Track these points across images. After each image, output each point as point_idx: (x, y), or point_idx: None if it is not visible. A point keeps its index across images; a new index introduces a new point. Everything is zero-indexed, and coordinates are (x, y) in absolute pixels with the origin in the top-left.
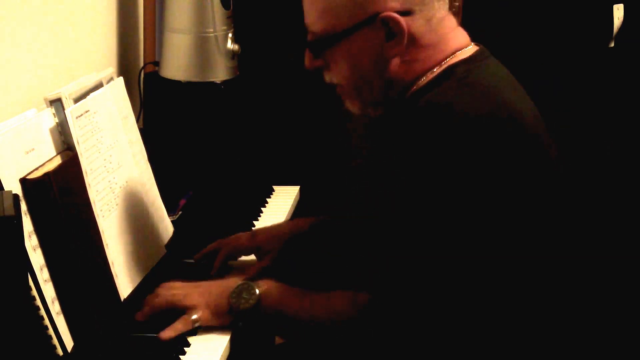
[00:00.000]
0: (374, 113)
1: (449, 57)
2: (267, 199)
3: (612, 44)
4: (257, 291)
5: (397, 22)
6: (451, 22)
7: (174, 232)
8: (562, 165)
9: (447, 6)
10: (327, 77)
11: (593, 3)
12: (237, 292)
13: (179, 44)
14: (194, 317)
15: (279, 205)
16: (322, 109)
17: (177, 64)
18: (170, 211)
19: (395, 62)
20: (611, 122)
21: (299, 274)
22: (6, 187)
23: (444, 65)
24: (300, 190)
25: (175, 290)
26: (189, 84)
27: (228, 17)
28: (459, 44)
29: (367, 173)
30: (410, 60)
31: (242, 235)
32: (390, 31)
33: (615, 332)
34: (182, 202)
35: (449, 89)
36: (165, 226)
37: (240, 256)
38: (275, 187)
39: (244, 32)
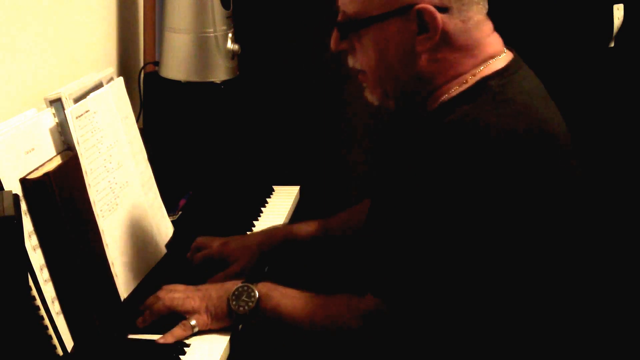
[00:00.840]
0: (393, 106)
1: (482, 65)
2: (267, 199)
3: (612, 44)
4: (257, 294)
5: (433, 16)
6: (488, 27)
7: (174, 232)
8: (586, 181)
9: (485, 10)
10: (351, 62)
11: (593, 3)
12: (237, 295)
13: (179, 44)
14: (193, 322)
15: (279, 205)
16: (322, 109)
17: (177, 64)
18: (170, 211)
19: (424, 58)
20: (611, 122)
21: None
22: (6, 187)
23: (477, 76)
24: (300, 190)
25: (176, 294)
26: (189, 84)
27: (228, 17)
28: (493, 51)
29: (383, 178)
30: (441, 60)
31: (216, 240)
32: (424, 25)
33: (622, 335)
34: (182, 202)
35: (485, 106)
36: (165, 226)
37: (210, 258)
38: (275, 187)
39: (244, 32)
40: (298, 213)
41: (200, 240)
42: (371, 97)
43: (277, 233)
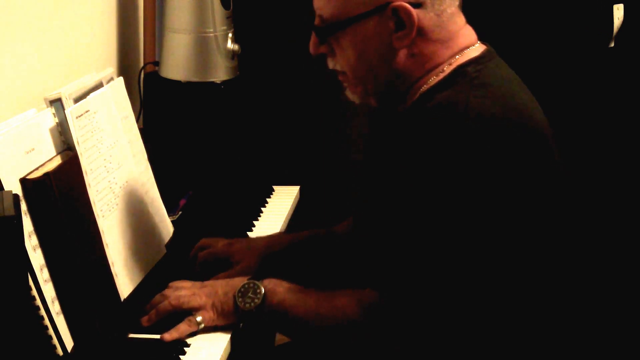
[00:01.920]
0: (375, 103)
1: (457, 54)
2: (267, 199)
3: (612, 44)
4: (262, 290)
5: (409, 13)
6: (460, 19)
7: (174, 232)
8: (564, 166)
9: (457, 2)
10: (331, 64)
11: (593, 3)
12: (243, 291)
13: (179, 44)
14: (199, 318)
15: (279, 205)
16: (322, 109)
17: (177, 64)
18: (170, 211)
19: (403, 54)
20: (611, 122)
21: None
22: (6, 187)
23: (454, 64)
24: (300, 190)
25: (182, 292)
26: (189, 84)
27: (228, 17)
28: (467, 42)
29: (371, 170)
30: (418, 54)
31: (221, 241)
32: (400, 22)
33: (617, 333)
34: (182, 202)
35: (462, 89)
36: (165, 226)
37: (215, 259)
38: (275, 187)
39: (244, 32)
40: (298, 213)
41: (204, 240)
42: (352, 96)
43: (283, 239)
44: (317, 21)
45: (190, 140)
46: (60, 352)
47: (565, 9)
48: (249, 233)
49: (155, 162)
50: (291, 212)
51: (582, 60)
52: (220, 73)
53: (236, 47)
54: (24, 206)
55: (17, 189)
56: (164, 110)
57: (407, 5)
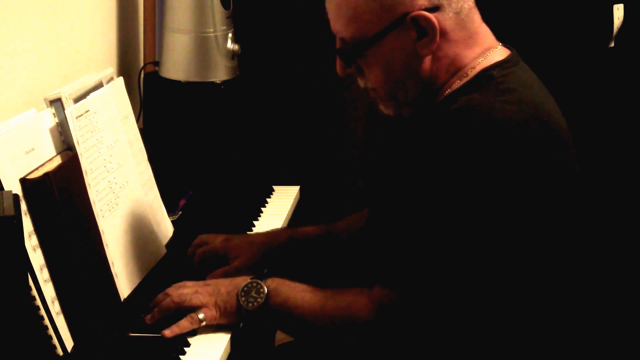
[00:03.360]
0: (408, 113)
1: (480, 57)
2: (267, 199)
3: (612, 44)
4: (266, 289)
5: (428, 20)
6: (477, 15)
7: (174, 232)
8: (581, 172)
9: None
10: (361, 83)
11: (593, 3)
12: (246, 290)
13: (179, 44)
14: (201, 315)
15: (279, 205)
16: (321, 109)
17: (177, 64)
18: (170, 211)
19: (428, 59)
20: (611, 122)
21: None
22: (6, 187)
23: (477, 68)
24: (300, 190)
25: (184, 290)
26: (189, 84)
27: (228, 17)
28: (488, 44)
29: (389, 170)
30: (442, 57)
31: (219, 237)
32: (422, 29)
33: (621, 333)
34: (182, 202)
35: (487, 94)
36: (165, 226)
37: (214, 255)
38: (275, 187)
39: (244, 32)
40: (298, 213)
41: (202, 237)
42: (386, 110)
43: (281, 234)
44: (339, 44)
45: (190, 140)
46: (60, 352)
47: (565, 9)
48: (249, 233)
49: (155, 162)
50: (291, 212)
51: (582, 60)
52: (220, 73)
53: (236, 47)
54: (24, 206)
55: (17, 189)
56: (164, 110)
57: (425, 12)
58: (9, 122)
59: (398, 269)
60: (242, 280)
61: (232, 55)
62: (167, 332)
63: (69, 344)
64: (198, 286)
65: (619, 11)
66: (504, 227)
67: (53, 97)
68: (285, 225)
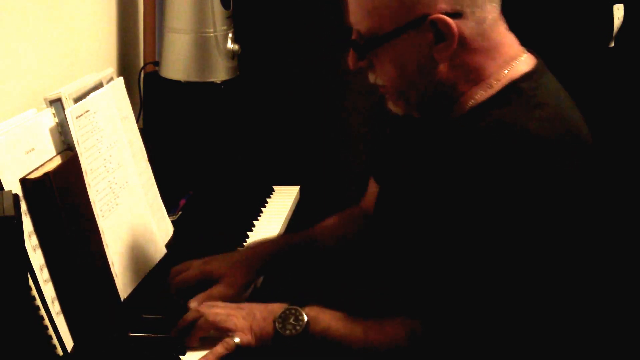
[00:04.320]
0: (418, 115)
1: (505, 67)
2: (267, 199)
3: (612, 44)
4: (305, 317)
5: (448, 25)
6: (502, 26)
7: (174, 232)
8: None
9: (498, 9)
10: (372, 78)
11: (593, 3)
12: (283, 317)
13: (179, 44)
14: (237, 340)
15: (279, 205)
16: (322, 109)
17: (177, 64)
18: (170, 211)
19: (444, 66)
20: (611, 122)
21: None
22: (6, 187)
23: (504, 79)
24: (300, 190)
25: (218, 309)
26: (189, 84)
27: (228, 17)
28: (513, 53)
29: (406, 176)
30: (461, 65)
31: (194, 262)
32: (440, 34)
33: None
34: (182, 202)
35: (519, 110)
36: (165, 226)
37: (192, 282)
38: (275, 187)
39: (244, 32)
40: (298, 213)
41: (175, 268)
42: (395, 108)
43: (263, 247)
44: (354, 36)
45: (190, 140)
46: (60, 352)
47: (565, 9)
48: (249, 233)
49: (155, 162)
50: (291, 212)
51: (582, 60)
52: (220, 73)
53: (236, 47)
54: (24, 206)
55: (17, 189)
56: (164, 110)
57: (445, 17)
58: (9, 122)
59: (444, 303)
60: (279, 307)
61: (232, 55)
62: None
63: (69, 344)
64: (230, 308)
65: (619, 11)
66: (554, 250)
67: (53, 97)
68: (285, 225)
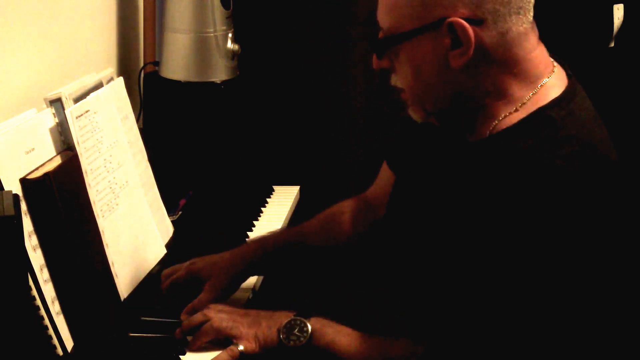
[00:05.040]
0: (437, 123)
1: (531, 89)
2: (267, 199)
3: (612, 44)
4: (309, 328)
5: (465, 30)
6: (531, 41)
7: (174, 232)
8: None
9: (528, 21)
10: (393, 80)
11: (593, 3)
12: (288, 327)
13: (179, 44)
14: (241, 347)
15: (279, 205)
16: (321, 109)
17: (177, 64)
18: (170, 211)
19: (462, 73)
20: (611, 122)
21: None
22: (6, 187)
23: (532, 104)
24: (300, 190)
25: (223, 315)
26: (189, 84)
27: (228, 17)
28: (542, 71)
29: (422, 193)
30: (480, 75)
31: (182, 265)
32: (457, 39)
33: None
34: (182, 202)
35: (548, 144)
36: (165, 226)
37: (181, 284)
38: (275, 187)
39: (244, 32)
40: (298, 213)
41: (165, 271)
42: (414, 114)
43: (250, 248)
44: (380, 34)
45: (190, 140)
46: (60, 352)
47: (565, 9)
48: (249, 233)
49: (155, 162)
50: (291, 212)
51: (582, 60)
52: (220, 73)
53: (236, 47)
54: (24, 206)
55: (17, 189)
56: (164, 110)
57: (463, 22)
58: (9, 122)
59: (453, 332)
60: (284, 317)
61: (232, 55)
62: None
63: (69, 344)
64: (237, 314)
65: (619, 11)
66: (594, 286)
67: (53, 97)
68: (285, 225)
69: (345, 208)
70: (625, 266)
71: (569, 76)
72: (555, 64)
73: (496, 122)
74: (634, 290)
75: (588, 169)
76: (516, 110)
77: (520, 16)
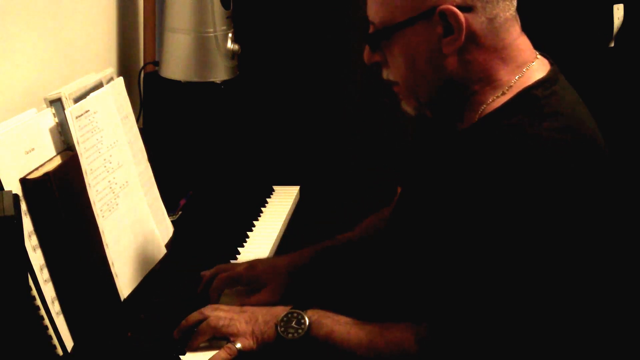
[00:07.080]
0: (430, 115)
1: (517, 72)
2: (267, 199)
3: (612, 44)
4: (307, 320)
5: (456, 17)
6: (516, 28)
7: (174, 232)
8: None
9: (513, 8)
10: (385, 74)
11: (593, 3)
12: (286, 320)
13: (179, 44)
14: (239, 345)
15: (279, 205)
16: (322, 109)
17: (177, 64)
18: (170, 211)
19: (453, 60)
20: (611, 122)
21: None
22: (6, 187)
23: (517, 86)
24: (300, 190)
25: (221, 314)
26: (189, 84)
27: (228, 17)
28: (526, 57)
29: (420, 185)
30: (471, 62)
31: (240, 265)
32: (449, 26)
33: None
34: (182, 202)
35: (532, 118)
36: (165, 226)
37: (236, 285)
38: (275, 187)
39: (244, 32)
40: (298, 213)
41: (220, 266)
42: (407, 107)
43: (304, 252)
44: (370, 30)
45: (190, 140)
46: (60, 352)
47: (565, 9)
48: (249, 233)
49: (155, 162)
50: (291, 212)
51: (582, 60)
52: (220, 73)
53: (236, 47)
54: (24, 206)
55: (17, 189)
56: (164, 110)
57: (455, 8)
58: (9, 122)
59: (457, 312)
60: (281, 310)
61: (232, 55)
62: None
63: (69, 344)
64: (234, 312)
65: (619, 11)
66: (566, 258)
67: (53, 97)
68: (285, 225)
69: (387, 212)
70: (610, 237)
71: (551, 64)
72: (538, 54)
73: (484, 106)
74: (617, 257)
75: (574, 141)
76: (503, 93)
77: (507, 2)
